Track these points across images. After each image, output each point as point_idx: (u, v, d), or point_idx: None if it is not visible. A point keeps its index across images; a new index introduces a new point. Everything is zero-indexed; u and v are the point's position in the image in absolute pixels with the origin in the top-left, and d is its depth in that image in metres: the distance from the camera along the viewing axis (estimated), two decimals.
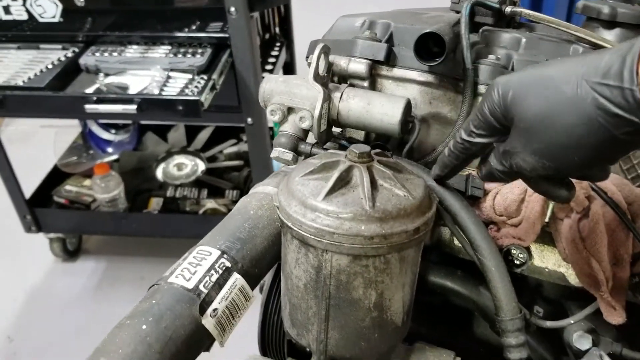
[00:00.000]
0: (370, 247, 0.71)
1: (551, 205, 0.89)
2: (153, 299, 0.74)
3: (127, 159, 3.18)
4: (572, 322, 0.89)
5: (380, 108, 0.88)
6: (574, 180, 0.75)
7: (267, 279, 1.05)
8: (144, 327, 0.70)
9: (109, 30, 2.45)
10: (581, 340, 0.89)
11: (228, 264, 0.79)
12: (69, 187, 3.02)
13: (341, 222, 0.71)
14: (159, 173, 3.17)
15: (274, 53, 2.85)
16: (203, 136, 3.32)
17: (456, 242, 0.96)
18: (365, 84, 0.94)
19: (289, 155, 0.91)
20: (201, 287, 0.75)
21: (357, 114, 0.89)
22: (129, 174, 3.08)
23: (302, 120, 0.90)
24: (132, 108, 2.14)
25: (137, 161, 3.20)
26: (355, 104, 0.89)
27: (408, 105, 0.88)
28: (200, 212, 2.88)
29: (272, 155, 0.92)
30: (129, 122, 3.33)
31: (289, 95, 0.91)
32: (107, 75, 2.34)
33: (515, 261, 0.91)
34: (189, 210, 2.91)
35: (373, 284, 0.75)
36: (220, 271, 0.78)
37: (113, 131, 3.36)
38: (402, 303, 0.80)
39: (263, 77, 2.56)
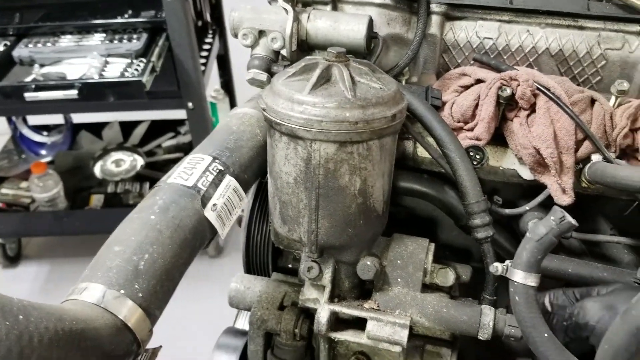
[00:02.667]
0: (355, 132, 0.79)
1: (502, 108, 0.99)
2: (156, 196, 0.79)
3: (62, 159, 3.12)
4: (527, 208, 1.00)
5: (346, 25, 0.96)
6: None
7: (246, 208, 1.11)
8: (152, 217, 0.75)
9: (40, 22, 2.42)
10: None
11: (221, 167, 0.84)
12: (5, 190, 2.93)
13: (327, 110, 0.78)
14: (97, 171, 3.13)
15: (208, 40, 2.89)
16: (139, 131, 3.30)
17: (419, 152, 1.05)
18: (328, 8, 1.02)
19: (264, 76, 0.97)
20: (199, 184, 0.81)
21: (325, 32, 0.97)
22: (65, 174, 3.02)
23: (273, 41, 0.97)
24: (73, 93, 2.14)
25: (72, 161, 3.14)
26: (322, 23, 0.97)
27: (371, 22, 0.97)
28: None
29: (247, 78, 0.99)
30: (61, 122, 3.29)
31: (259, 20, 0.98)
32: (42, 65, 2.31)
33: (473, 162, 1.01)
34: (133, 204, 2.88)
35: (357, 170, 0.82)
36: (215, 173, 0.83)
37: (45, 133, 3.30)
38: (382, 191, 0.88)
39: (201, 62, 2.62)
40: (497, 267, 0.82)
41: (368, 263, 0.89)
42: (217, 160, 0.85)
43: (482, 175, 1.03)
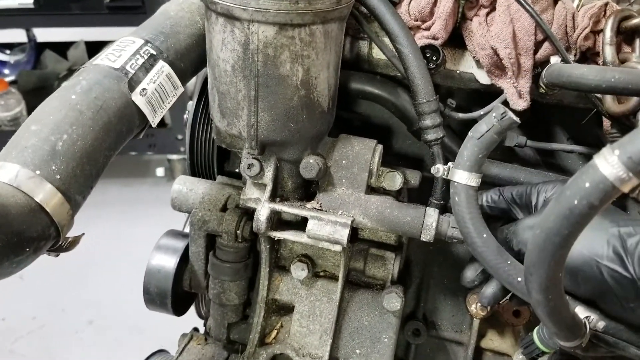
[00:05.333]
0: (296, 13, 0.73)
1: (461, 5, 0.94)
2: (80, 76, 0.74)
3: (26, 79, 3.02)
4: (482, 112, 0.95)
5: None
6: None
7: (191, 107, 1.06)
8: (73, 97, 0.70)
9: None
10: None
11: (153, 52, 0.79)
12: None
13: None
14: None
15: None
16: None
17: (374, 54, 1.00)
18: None
19: None
20: (128, 67, 0.75)
21: None
22: (29, 94, 2.93)
23: None
24: (29, 2, 2.04)
25: (37, 80, 3.03)
26: None
27: None
28: None
29: None
30: (25, 41, 3.16)
31: None
32: None
33: (429, 63, 0.96)
34: None
35: (299, 58, 0.77)
36: (146, 56, 0.78)
37: (8, 52, 3.18)
38: (327, 85, 0.83)
39: None
40: (438, 169, 0.79)
41: (311, 161, 0.84)
42: (149, 44, 0.79)
43: (439, 79, 0.99)
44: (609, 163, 0.49)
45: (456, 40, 0.97)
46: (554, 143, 1.00)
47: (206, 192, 0.96)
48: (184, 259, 0.97)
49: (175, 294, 0.95)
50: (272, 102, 0.80)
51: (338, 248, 0.83)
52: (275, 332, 0.94)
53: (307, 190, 0.92)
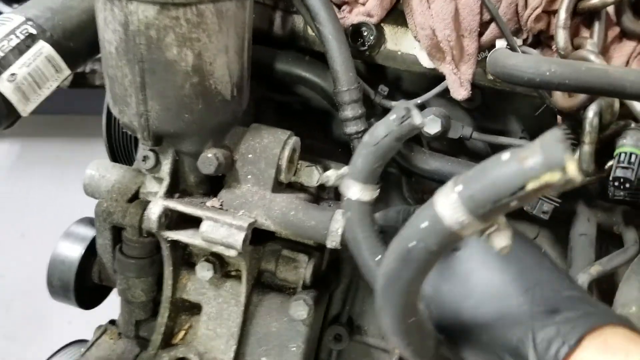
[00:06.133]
0: None
1: None
2: None
3: None
4: (419, 102, 0.85)
5: None
6: None
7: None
8: None
9: None
10: (431, 124, 0.86)
11: (33, 31, 0.71)
12: None
13: None
14: None
15: None
16: None
17: (310, 30, 0.90)
18: None
19: None
20: None
21: None
22: None
23: None
24: None
25: None
26: None
27: None
28: None
29: None
30: None
31: None
32: None
33: (366, 43, 0.85)
34: (99, 85, 2.77)
35: (188, 41, 0.69)
36: (22, 37, 0.70)
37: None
38: (227, 71, 0.74)
39: None
40: (329, 177, 0.69)
41: (209, 155, 0.76)
42: (30, 22, 0.71)
43: (380, 60, 0.89)
44: (448, 202, 0.40)
45: (399, 17, 0.87)
46: (502, 136, 0.89)
47: (118, 179, 0.89)
48: (94, 249, 0.90)
49: (82, 286, 0.89)
50: (161, 89, 0.72)
51: (233, 253, 0.75)
52: (183, 332, 0.88)
53: (214, 185, 0.84)
